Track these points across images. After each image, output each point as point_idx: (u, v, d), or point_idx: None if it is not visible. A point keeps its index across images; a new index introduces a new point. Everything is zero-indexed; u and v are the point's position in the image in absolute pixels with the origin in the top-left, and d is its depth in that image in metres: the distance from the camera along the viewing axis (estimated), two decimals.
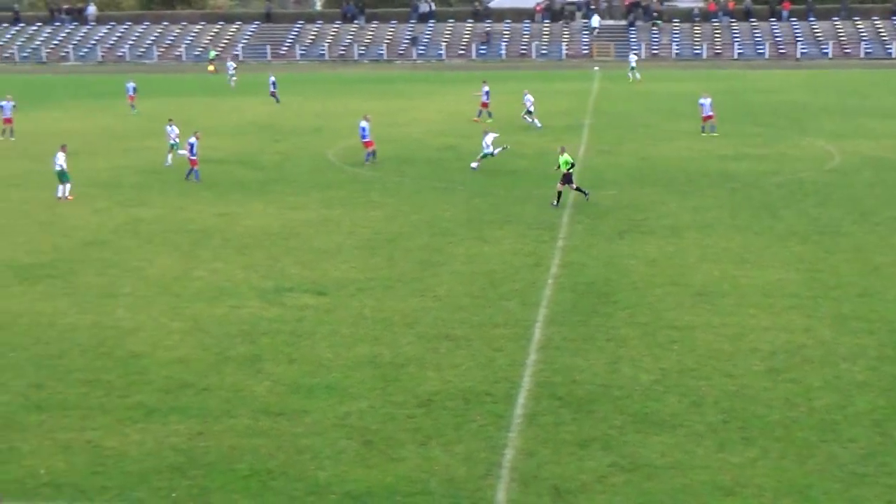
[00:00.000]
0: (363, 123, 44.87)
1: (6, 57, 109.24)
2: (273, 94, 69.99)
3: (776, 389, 19.94)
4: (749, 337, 22.78)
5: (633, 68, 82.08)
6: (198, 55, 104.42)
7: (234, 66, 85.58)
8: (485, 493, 16.14)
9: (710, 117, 52.22)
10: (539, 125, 54.88)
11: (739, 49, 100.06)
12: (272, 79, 71.41)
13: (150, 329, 23.75)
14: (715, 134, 51.08)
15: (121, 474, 16.90)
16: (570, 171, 35.52)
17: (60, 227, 33.88)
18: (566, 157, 35.45)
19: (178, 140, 45.07)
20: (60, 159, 38.23)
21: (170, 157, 45.06)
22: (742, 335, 22.90)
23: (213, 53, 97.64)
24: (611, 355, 21.77)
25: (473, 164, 42.77)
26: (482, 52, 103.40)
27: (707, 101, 52.34)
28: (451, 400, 19.58)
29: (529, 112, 55.78)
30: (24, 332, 23.69)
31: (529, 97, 56.24)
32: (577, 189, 36.11)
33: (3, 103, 54.92)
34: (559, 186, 35.68)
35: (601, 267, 28.36)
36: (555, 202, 35.54)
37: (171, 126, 45.55)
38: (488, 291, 26.29)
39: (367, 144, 44.88)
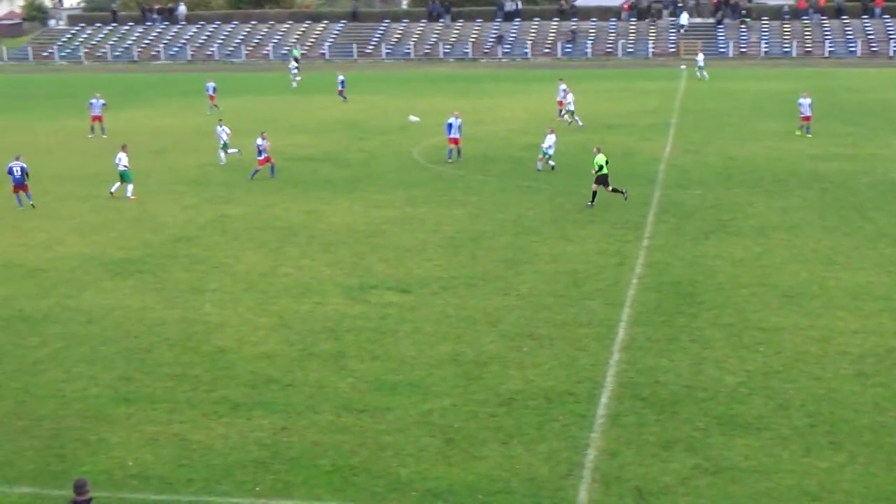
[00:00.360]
0: (451, 120, 45.04)
1: (99, 56, 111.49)
2: (341, 93, 70.33)
3: (865, 393, 19.58)
4: (837, 340, 22.39)
5: (700, 67, 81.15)
6: (284, 54, 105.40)
7: (297, 65, 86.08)
8: (566, 493, 16.08)
9: (808, 118, 50.50)
10: (580, 123, 54.27)
11: (830, 47, 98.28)
12: (340, 78, 71.80)
13: (236, 325, 24.08)
14: (808, 135, 49.92)
15: (206, 467, 17.17)
16: (605, 173, 35.09)
17: (150, 224, 34.49)
18: (601, 157, 35.05)
19: (228, 140, 45.76)
20: (125, 160, 38.86)
21: (223, 155, 45.79)
22: (830, 338, 22.51)
23: (296, 52, 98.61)
24: (695, 356, 21.55)
25: (551, 164, 42.39)
26: (568, 50, 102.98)
27: (806, 102, 50.51)
28: (534, 399, 19.55)
29: (571, 112, 55.25)
30: (115, 325, 24.18)
31: (570, 96, 55.65)
32: (614, 190, 35.64)
33: (93, 101, 56.10)
34: (608, 189, 35.41)
35: (686, 267, 28.08)
36: (590, 202, 35.28)
37: (221, 126, 46.23)
38: (572, 290, 26.19)
39: (451, 141, 45.01)
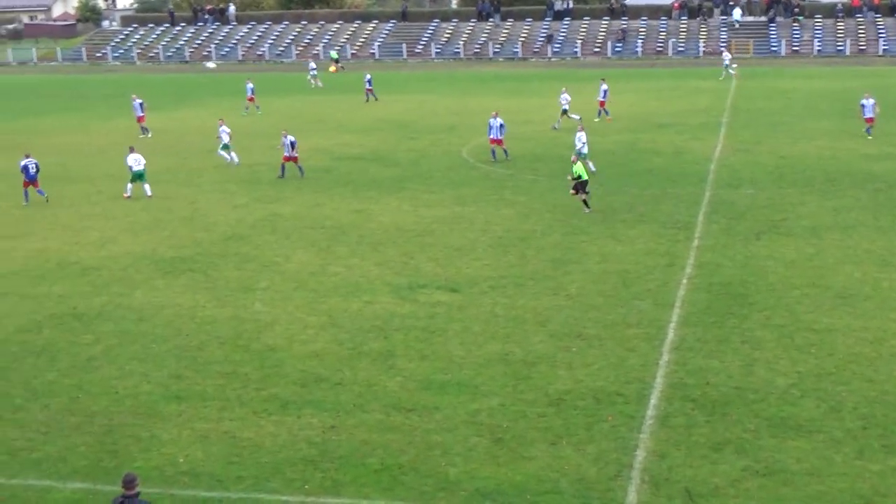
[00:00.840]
0: (490, 120, 45.10)
1: (152, 56, 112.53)
2: (369, 91, 70.42)
3: None
4: (891, 341, 22.10)
5: (727, 66, 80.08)
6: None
7: (315, 66, 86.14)
8: (615, 494, 16.01)
9: (871, 120, 48.84)
10: (557, 127, 53.64)
11: (885, 45, 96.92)
12: (368, 77, 71.91)
13: (286, 323, 24.22)
14: (869, 136, 48.80)
15: (256, 465, 17.28)
16: (585, 179, 34.48)
17: (201, 223, 34.78)
18: (579, 166, 34.60)
19: (229, 140, 46.18)
20: (142, 160, 39.12)
21: (233, 155, 46.08)
22: (884, 339, 22.23)
23: (334, 54, 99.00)
24: (746, 357, 21.37)
25: (590, 166, 41.76)
26: (618, 49, 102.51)
27: (869, 103, 49.03)
28: (583, 399, 19.48)
29: (565, 111, 54.62)
30: (166, 323, 24.41)
31: (566, 96, 55.02)
32: (584, 201, 34.88)
33: (133, 103, 57.07)
34: (581, 196, 34.74)
35: (737, 268, 27.85)
36: (586, 209, 34.67)
37: (222, 126, 46.60)
38: (621, 291, 26.07)
39: (492, 142, 45.00)
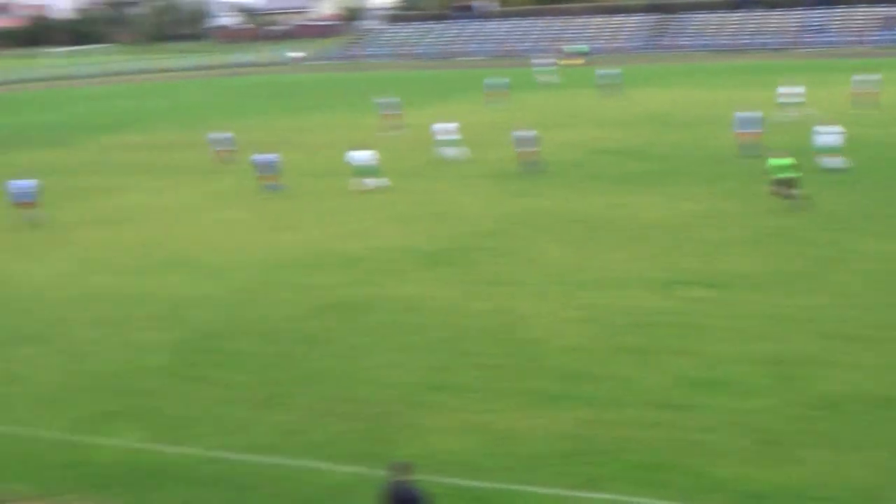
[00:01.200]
0: (738, 114, 44.47)
1: (408, 53, 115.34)
2: (609, 87, 69.86)
3: None
4: None
5: None
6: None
7: (547, 61, 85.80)
8: None
9: None
10: (809, 113, 50.97)
11: None
12: (608, 71, 71.36)
13: (544, 317, 24.25)
14: None
15: (515, 457, 17.32)
16: (789, 176, 32.76)
17: (456, 217, 35.30)
18: (780, 161, 32.74)
19: (452, 137, 46.53)
20: (369, 156, 40.37)
21: (453, 151, 46.57)
22: None
23: (583, 48, 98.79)
24: None
25: (836, 161, 39.75)
26: (884, 37, 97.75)
27: None
28: (856, 403, 18.57)
29: (789, 104, 52.17)
30: (429, 315, 24.85)
31: (787, 89, 52.53)
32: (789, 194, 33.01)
33: (380, 101, 59.20)
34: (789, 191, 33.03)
35: None
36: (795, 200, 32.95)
37: (442, 125, 47.18)
38: None
39: (740, 135, 43.95)
